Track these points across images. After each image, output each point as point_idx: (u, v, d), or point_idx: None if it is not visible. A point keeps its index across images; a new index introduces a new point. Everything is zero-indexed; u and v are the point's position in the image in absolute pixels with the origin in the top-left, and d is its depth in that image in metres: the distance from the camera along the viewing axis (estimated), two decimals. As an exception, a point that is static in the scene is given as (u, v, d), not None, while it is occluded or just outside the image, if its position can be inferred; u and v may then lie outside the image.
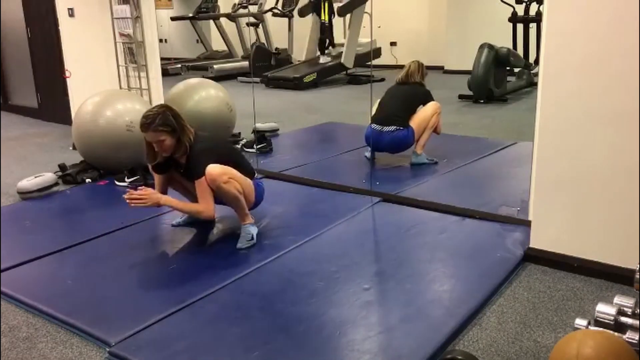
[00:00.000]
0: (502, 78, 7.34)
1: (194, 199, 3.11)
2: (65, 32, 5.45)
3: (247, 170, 3.13)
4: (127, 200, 2.82)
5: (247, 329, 2.25)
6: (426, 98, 4.44)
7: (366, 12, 8.90)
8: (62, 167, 4.41)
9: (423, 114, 4.37)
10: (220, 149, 3.12)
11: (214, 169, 2.86)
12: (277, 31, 11.02)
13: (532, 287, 2.56)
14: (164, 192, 3.10)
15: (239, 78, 10.04)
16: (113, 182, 4.23)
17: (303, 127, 6.25)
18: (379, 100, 4.49)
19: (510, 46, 7.73)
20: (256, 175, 3.23)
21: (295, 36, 10.85)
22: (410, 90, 4.43)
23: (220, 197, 2.97)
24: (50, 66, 6.59)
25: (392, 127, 4.28)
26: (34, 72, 7.02)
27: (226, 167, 2.92)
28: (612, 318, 1.80)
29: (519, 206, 3.29)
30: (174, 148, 2.92)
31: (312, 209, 3.62)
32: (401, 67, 4.56)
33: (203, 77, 7.88)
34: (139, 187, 2.94)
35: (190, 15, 11.37)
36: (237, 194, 2.95)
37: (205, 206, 2.91)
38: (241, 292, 2.55)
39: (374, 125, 4.34)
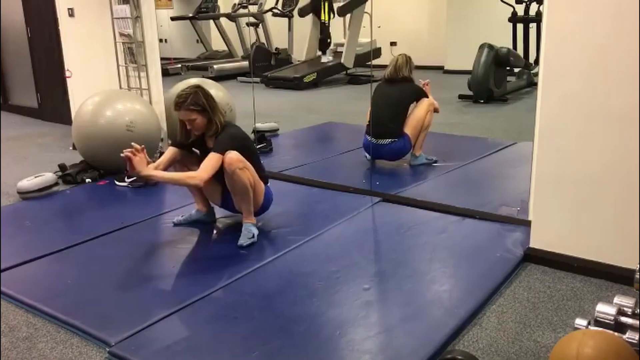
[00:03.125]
0: (502, 78, 7.34)
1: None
2: (65, 32, 5.45)
3: (262, 173, 3.15)
4: (125, 155, 2.78)
5: (247, 329, 2.25)
6: (417, 94, 4.32)
7: (366, 12, 8.89)
8: (62, 167, 4.40)
9: (417, 116, 4.27)
10: (247, 143, 3.13)
11: (234, 154, 2.90)
12: (277, 31, 11.01)
13: (532, 287, 2.56)
14: (165, 169, 3.05)
15: (239, 78, 10.03)
16: (113, 182, 4.23)
17: (303, 127, 6.25)
18: (369, 108, 4.32)
19: (510, 46, 7.73)
20: (268, 183, 3.24)
21: (295, 36, 10.85)
22: (400, 91, 4.28)
23: (231, 186, 2.98)
24: (50, 66, 6.59)
25: (387, 140, 4.22)
26: (34, 72, 7.02)
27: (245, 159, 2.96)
28: (612, 318, 1.80)
29: (519, 206, 3.29)
30: (206, 127, 3.00)
31: (312, 209, 3.62)
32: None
33: (203, 77, 7.89)
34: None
35: (190, 15, 11.37)
36: (248, 185, 2.97)
37: (201, 173, 2.86)
38: (241, 292, 2.55)
39: (369, 137, 4.28)
